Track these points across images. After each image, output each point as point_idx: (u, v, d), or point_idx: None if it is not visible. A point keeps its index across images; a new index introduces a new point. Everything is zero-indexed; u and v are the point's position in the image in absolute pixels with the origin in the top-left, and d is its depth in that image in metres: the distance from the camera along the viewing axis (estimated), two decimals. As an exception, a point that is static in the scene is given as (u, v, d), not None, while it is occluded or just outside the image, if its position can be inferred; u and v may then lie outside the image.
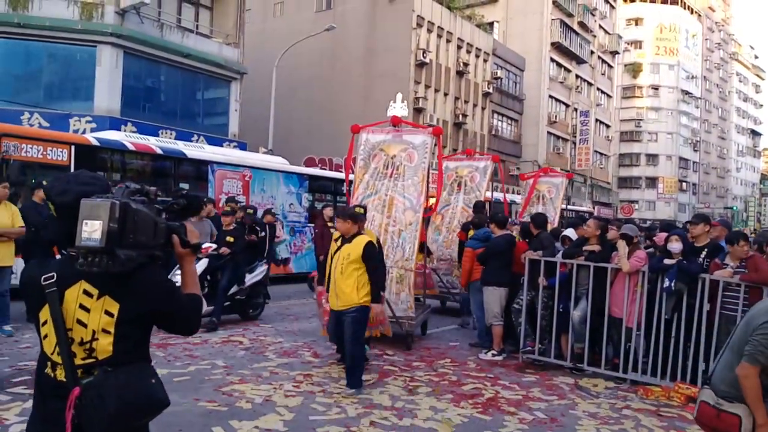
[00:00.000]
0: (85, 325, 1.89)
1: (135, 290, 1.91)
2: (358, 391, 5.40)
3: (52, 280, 1.90)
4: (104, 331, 1.88)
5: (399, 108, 8.30)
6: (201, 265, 7.83)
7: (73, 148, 10.30)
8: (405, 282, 7.62)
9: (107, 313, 1.88)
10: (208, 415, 4.67)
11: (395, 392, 5.50)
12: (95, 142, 11.04)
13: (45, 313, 1.92)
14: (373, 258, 5.66)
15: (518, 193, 33.34)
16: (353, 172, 8.29)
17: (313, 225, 13.24)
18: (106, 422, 1.82)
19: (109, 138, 11.75)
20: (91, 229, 1.77)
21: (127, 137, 12.70)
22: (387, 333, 6.56)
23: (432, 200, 8.89)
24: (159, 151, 12.05)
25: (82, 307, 1.89)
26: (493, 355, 7.15)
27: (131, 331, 1.92)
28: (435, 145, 8.21)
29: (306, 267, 14.44)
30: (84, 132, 16.05)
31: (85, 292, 1.89)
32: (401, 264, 7.61)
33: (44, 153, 9.90)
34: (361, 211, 5.93)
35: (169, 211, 2.13)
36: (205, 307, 9.45)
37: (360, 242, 5.60)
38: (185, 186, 12.11)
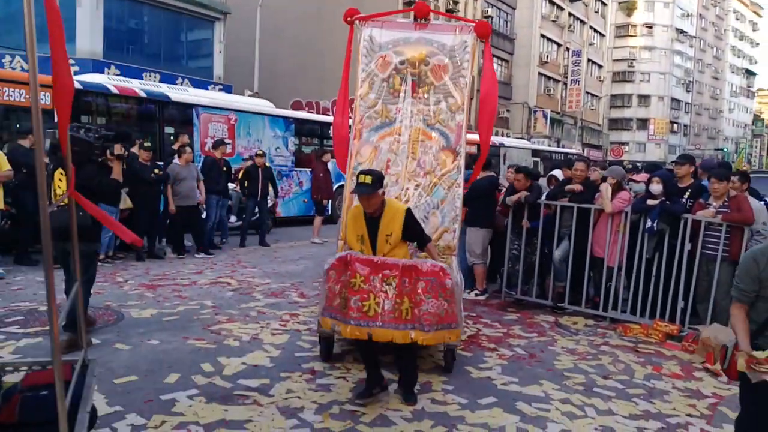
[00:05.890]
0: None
1: (79, 174, 3.80)
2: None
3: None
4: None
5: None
6: None
7: (55, 91, 10.15)
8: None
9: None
10: (197, 352, 4.80)
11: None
12: (78, 86, 10.74)
13: None
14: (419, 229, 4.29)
15: (507, 136, 33.10)
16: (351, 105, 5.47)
17: (310, 170, 12.98)
18: None
19: (92, 81, 11.51)
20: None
21: (110, 80, 12.46)
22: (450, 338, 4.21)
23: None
24: (143, 95, 11.84)
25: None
26: (476, 295, 7.29)
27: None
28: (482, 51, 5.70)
29: (293, 211, 14.55)
30: (66, 75, 15.71)
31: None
32: (440, 234, 5.10)
33: (27, 97, 9.75)
34: (368, 179, 3.93)
35: (104, 138, 4.72)
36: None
37: (395, 214, 4.08)
38: (170, 129, 12.10)
